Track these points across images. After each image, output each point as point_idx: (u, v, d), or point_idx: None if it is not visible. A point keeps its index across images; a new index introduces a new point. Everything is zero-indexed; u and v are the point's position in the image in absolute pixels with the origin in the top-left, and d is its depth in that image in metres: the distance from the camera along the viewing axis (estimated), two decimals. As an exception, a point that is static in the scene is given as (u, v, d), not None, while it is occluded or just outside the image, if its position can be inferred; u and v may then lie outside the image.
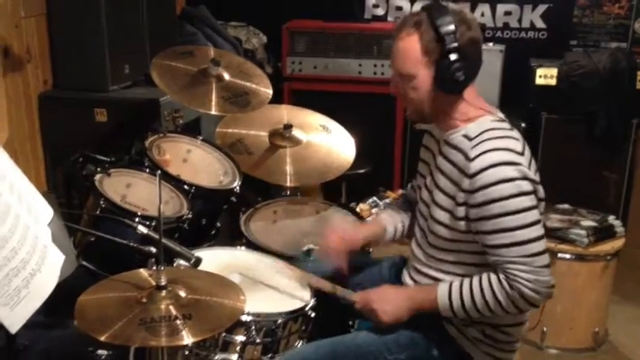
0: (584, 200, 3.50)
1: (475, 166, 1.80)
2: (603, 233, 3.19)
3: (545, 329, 3.19)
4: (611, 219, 3.30)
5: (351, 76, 4.20)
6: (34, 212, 1.56)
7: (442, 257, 1.97)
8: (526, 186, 1.79)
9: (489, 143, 1.82)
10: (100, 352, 2.22)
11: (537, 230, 1.81)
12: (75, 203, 2.31)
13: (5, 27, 3.08)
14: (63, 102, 3.31)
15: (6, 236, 1.40)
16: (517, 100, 4.10)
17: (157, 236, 1.98)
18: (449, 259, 1.96)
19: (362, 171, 3.86)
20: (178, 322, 1.62)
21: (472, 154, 1.82)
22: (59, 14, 3.31)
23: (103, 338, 1.56)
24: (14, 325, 1.40)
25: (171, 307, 1.66)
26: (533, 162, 1.91)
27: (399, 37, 1.87)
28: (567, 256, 3.13)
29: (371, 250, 2.57)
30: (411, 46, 1.83)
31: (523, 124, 3.98)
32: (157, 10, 3.64)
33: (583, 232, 3.14)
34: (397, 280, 2.15)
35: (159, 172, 1.73)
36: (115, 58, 3.29)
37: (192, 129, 3.17)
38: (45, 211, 1.65)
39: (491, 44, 4.22)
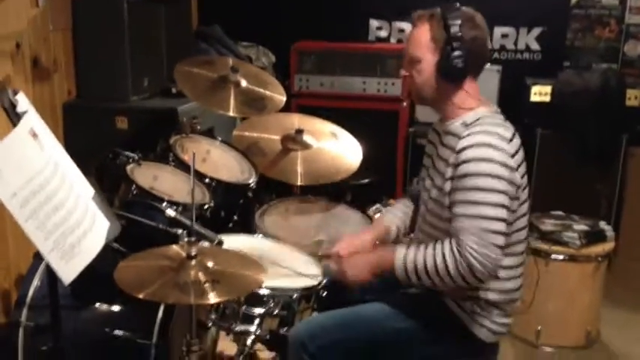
0: (578, 212, 3.67)
1: (463, 142, 2.01)
2: (595, 236, 3.38)
3: (539, 328, 3.36)
4: (602, 224, 3.50)
5: (356, 93, 4.42)
6: (83, 185, 1.76)
7: (434, 234, 2.16)
8: (501, 171, 1.96)
9: (481, 127, 2.03)
10: (116, 332, 2.38)
11: (501, 212, 1.96)
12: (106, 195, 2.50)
13: (36, 39, 3.31)
14: (86, 110, 3.53)
15: (62, 200, 1.59)
16: (513, 117, 4.29)
17: (183, 219, 2.19)
18: (439, 235, 2.13)
19: (366, 181, 4.09)
20: (206, 285, 1.81)
21: (464, 134, 2.03)
22: (84, 29, 3.55)
23: (141, 296, 1.75)
24: (68, 277, 1.58)
25: (200, 274, 1.85)
26: (520, 152, 2.10)
27: (414, 25, 2.14)
28: (560, 257, 3.32)
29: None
30: (423, 33, 2.09)
31: (519, 140, 4.20)
32: (174, 28, 3.88)
33: (575, 235, 3.33)
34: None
35: (193, 152, 1.91)
36: (135, 71, 3.52)
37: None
38: (89, 187, 1.85)
39: (488, 65, 4.45)
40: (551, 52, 4.56)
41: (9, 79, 3.13)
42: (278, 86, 3.01)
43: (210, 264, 1.89)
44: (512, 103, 4.30)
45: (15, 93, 1.71)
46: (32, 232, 1.50)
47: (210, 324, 2.19)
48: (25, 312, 2.35)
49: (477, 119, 2.07)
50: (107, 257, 2.29)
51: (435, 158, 2.21)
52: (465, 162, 1.98)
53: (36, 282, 2.45)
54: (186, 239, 1.89)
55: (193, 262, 1.88)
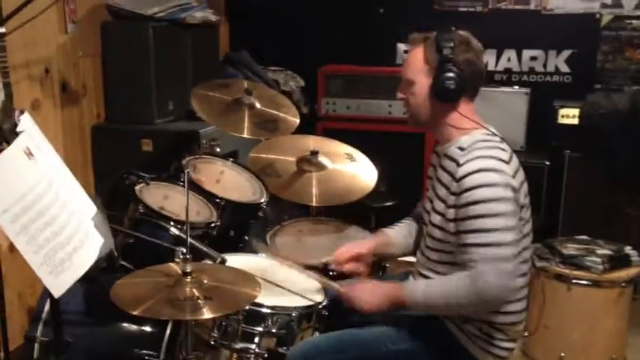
0: (607, 237, 3.59)
1: (463, 170, 2.01)
2: (619, 261, 3.30)
3: (562, 355, 3.29)
4: (628, 249, 3.41)
5: (382, 116, 4.44)
6: (80, 203, 1.82)
7: (438, 259, 2.16)
8: (506, 193, 1.97)
9: (478, 152, 2.03)
10: (128, 349, 2.44)
11: (510, 235, 1.96)
12: (118, 214, 2.57)
13: (65, 65, 3.43)
14: (113, 133, 3.65)
15: (54, 216, 1.65)
16: (542, 140, 4.29)
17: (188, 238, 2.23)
18: (443, 260, 2.14)
19: (390, 204, 4.09)
20: (200, 301, 1.84)
21: (462, 161, 2.03)
22: (113, 55, 3.67)
23: (136, 312, 1.80)
24: (57, 291, 1.64)
25: (194, 290, 1.89)
26: (520, 172, 2.10)
27: (410, 48, 2.17)
28: (583, 282, 3.25)
29: (387, 265, 2.76)
30: (417, 55, 2.12)
31: (547, 162, 4.16)
32: (200, 53, 3.97)
33: (598, 260, 3.26)
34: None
35: (187, 170, 1.96)
36: (160, 94, 3.63)
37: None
38: (89, 205, 1.91)
39: (517, 87, 4.45)
40: (582, 75, 4.50)
41: (38, 102, 3.26)
42: (292, 108, 3.07)
43: (205, 280, 1.93)
44: (541, 127, 4.29)
45: (21, 113, 1.80)
46: (22, 247, 1.56)
47: (212, 342, 2.21)
48: (40, 327, 2.43)
49: (473, 143, 2.07)
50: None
51: (434, 181, 2.21)
52: (467, 190, 1.99)
53: (51, 298, 2.54)
54: (181, 256, 1.92)
55: (189, 278, 1.92)
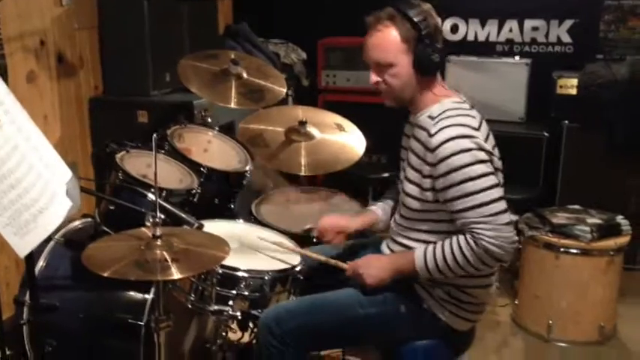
0: (606, 207, 3.59)
1: (435, 140, 2.02)
2: (608, 230, 3.30)
3: (551, 322, 3.31)
4: (619, 218, 3.41)
5: (381, 88, 4.43)
6: (50, 166, 1.87)
7: (412, 226, 2.19)
8: (482, 155, 1.99)
9: (448, 120, 2.04)
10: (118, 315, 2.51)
11: (496, 192, 2.00)
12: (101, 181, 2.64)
13: (60, 37, 3.49)
14: (109, 105, 3.71)
15: (19, 178, 1.70)
16: (542, 111, 4.26)
17: (164, 203, 2.28)
18: (418, 228, 2.17)
19: (387, 175, 4.12)
20: (167, 262, 1.89)
21: (433, 130, 2.04)
22: (109, 27, 3.72)
23: (106, 274, 1.85)
24: (22, 252, 1.69)
25: (164, 253, 1.94)
26: (491, 137, 2.11)
27: (375, 30, 2.12)
28: (571, 250, 3.26)
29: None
30: (390, 37, 2.07)
31: (546, 134, 4.15)
32: (198, 25, 4.00)
33: (587, 229, 3.26)
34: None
35: (154, 135, 2.00)
36: (157, 66, 3.68)
37: (227, 130, 3.49)
38: (63, 170, 1.95)
39: (517, 57, 4.41)
40: (584, 45, 4.45)
41: (34, 74, 3.33)
42: (280, 79, 3.08)
43: (174, 243, 1.98)
44: (542, 98, 4.27)
45: (-5, 82, 1.84)
46: (-14, 208, 1.61)
47: (189, 305, 2.27)
48: (29, 292, 2.50)
49: (442, 112, 2.07)
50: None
51: (408, 152, 2.22)
52: (443, 159, 2.00)
53: (41, 263, 2.62)
54: (151, 220, 1.97)
55: (159, 241, 1.97)
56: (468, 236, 2.00)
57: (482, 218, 1.98)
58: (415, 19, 2.05)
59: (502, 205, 2.00)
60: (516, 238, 2.03)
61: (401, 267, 2.14)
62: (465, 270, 2.03)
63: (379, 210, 2.49)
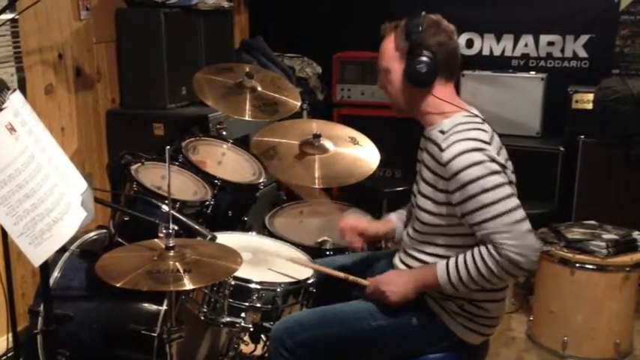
0: (622, 223, 3.56)
1: (446, 155, 2.02)
2: (624, 246, 3.27)
3: (566, 338, 3.28)
4: (635, 234, 3.38)
5: (396, 102, 4.44)
6: (66, 177, 1.90)
7: (427, 240, 2.18)
8: (494, 166, 1.99)
9: (459, 135, 2.04)
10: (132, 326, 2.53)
11: (513, 201, 1.98)
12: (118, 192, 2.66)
13: (79, 50, 3.54)
14: (126, 118, 3.75)
15: (34, 188, 1.73)
16: (557, 126, 4.25)
17: (178, 215, 2.30)
18: (433, 242, 2.16)
19: (401, 189, 4.12)
20: (180, 273, 1.91)
21: (444, 145, 2.04)
22: (127, 41, 3.77)
23: (118, 284, 1.87)
24: (37, 261, 1.72)
25: (176, 264, 1.95)
26: (503, 151, 2.11)
27: (383, 37, 2.17)
28: (586, 266, 3.23)
29: (383, 247, 2.80)
30: (388, 43, 2.14)
31: (562, 148, 4.13)
32: (213, 39, 4.04)
33: (603, 244, 3.24)
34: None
35: (167, 147, 2.02)
36: (173, 80, 3.72)
37: (242, 143, 3.51)
38: (78, 180, 1.98)
39: (533, 72, 4.41)
40: (600, 60, 4.44)
41: (52, 87, 3.37)
42: (294, 92, 3.11)
43: (187, 254, 1.99)
44: (556, 112, 4.25)
45: (12, 92, 1.88)
46: (2, 218, 1.64)
47: (202, 317, 2.27)
48: (43, 302, 2.52)
49: (453, 126, 2.07)
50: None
51: (421, 165, 2.23)
52: (456, 173, 2.00)
53: (56, 273, 2.64)
54: (164, 231, 1.99)
55: (171, 252, 1.99)
56: (490, 247, 1.98)
57: (503, 227, 1.96)
58: (411, 30, 2.07)
59: (521, 213, 1.98)
60: (539, 245, 2.02)
61: (424, 282, 2.12)
62: (489, 281, 2.01)
63: (396, 220, 2.49)
